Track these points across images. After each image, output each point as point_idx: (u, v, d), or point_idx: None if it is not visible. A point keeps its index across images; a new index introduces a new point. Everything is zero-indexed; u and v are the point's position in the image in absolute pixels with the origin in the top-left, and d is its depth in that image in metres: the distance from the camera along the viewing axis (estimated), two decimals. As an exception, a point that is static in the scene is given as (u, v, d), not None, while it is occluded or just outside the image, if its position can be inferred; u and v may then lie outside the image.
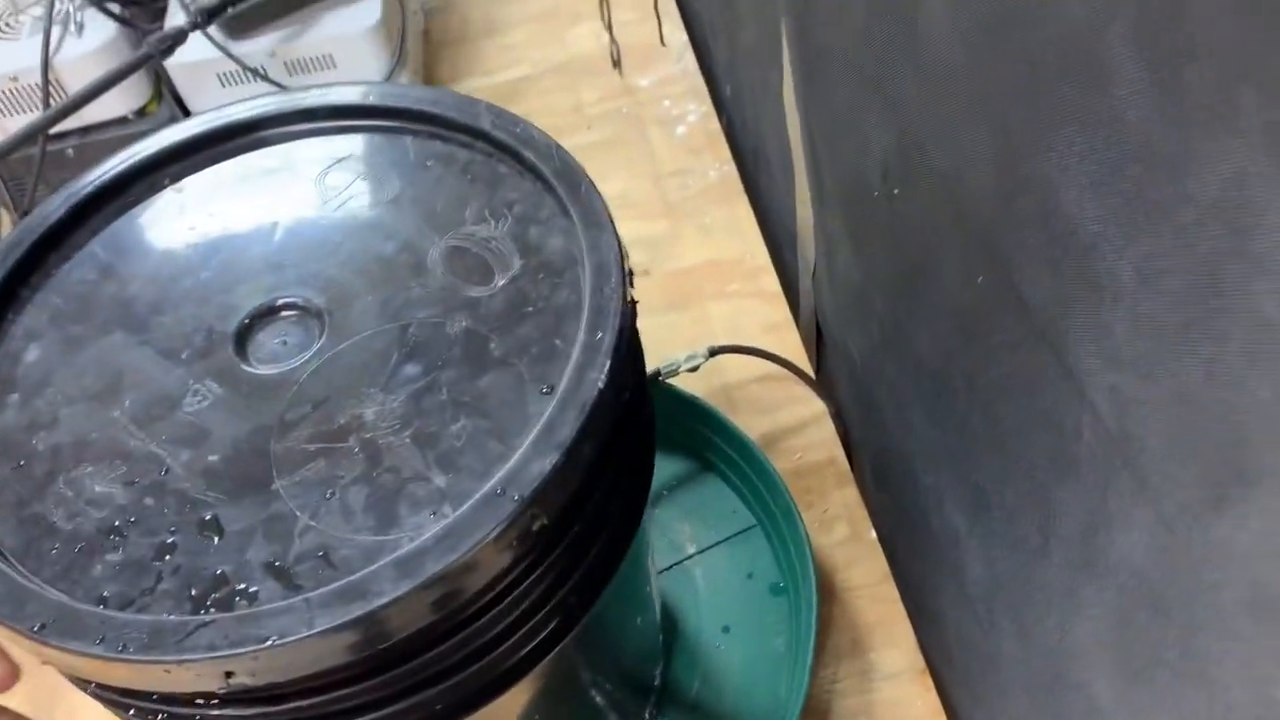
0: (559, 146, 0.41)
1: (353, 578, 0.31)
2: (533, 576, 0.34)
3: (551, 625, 0.37)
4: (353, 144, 0.44)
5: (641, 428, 0.41)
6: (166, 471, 0.35)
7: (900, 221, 0.44)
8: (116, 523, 0.34)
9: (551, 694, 0.45)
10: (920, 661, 0.59)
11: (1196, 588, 0.28)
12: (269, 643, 0.30)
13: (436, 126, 0.43)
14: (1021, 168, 0.31)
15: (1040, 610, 0.41)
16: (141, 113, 0.85)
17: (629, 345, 0.37)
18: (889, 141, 0.43)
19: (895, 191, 0.43)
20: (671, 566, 0.65)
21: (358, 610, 0.30)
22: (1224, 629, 0.27)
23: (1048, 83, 0.28)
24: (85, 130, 0.84)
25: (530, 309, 0.37)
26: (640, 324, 0.43)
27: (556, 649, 0.38)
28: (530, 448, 0.33)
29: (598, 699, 0.50)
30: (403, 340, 0.37)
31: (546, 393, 0.35)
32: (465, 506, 0.32)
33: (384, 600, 0.30)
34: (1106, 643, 0.35)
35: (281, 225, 0.41)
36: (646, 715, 0.55)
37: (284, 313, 0.39)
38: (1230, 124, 0.21)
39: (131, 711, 0.35)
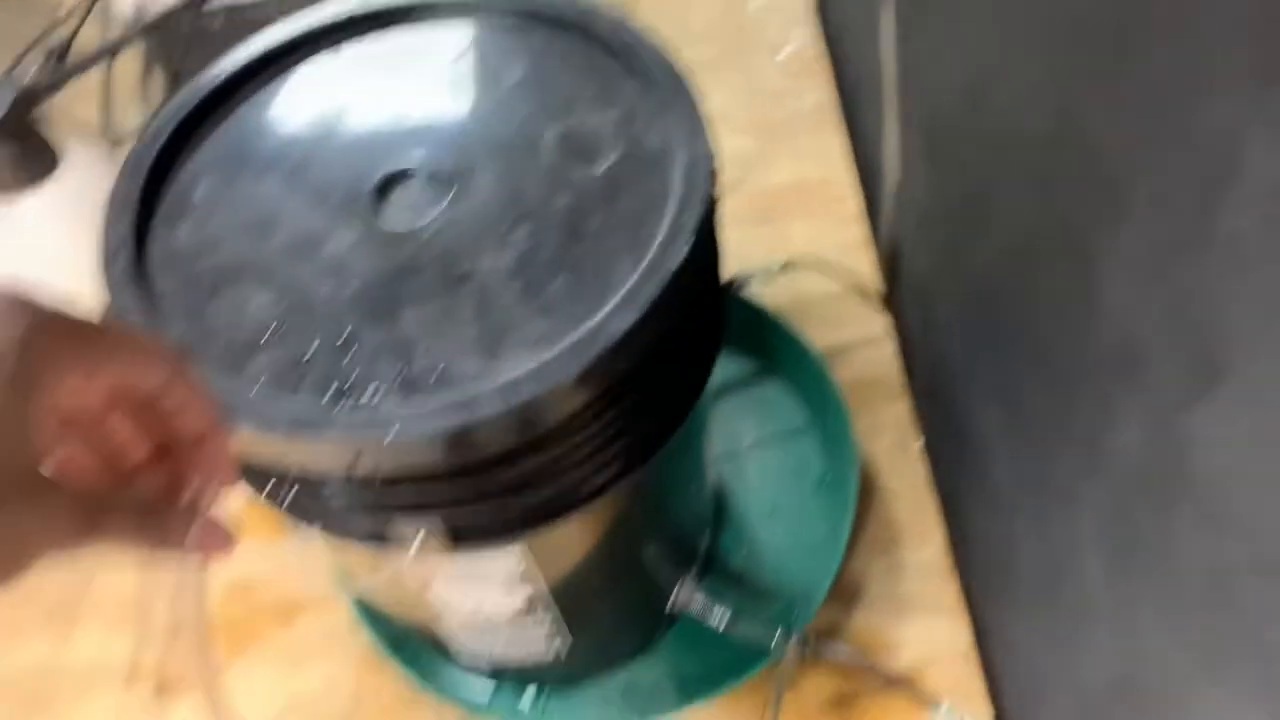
0: (667, 54, 0.46)
1: (462, 393, 0.37)
2: (609, 415, 0.40)
3: (620, 461, 0.43)
4: (489, 33, 0.49)
5: (713, 306, 0.47)
6: (311, 296, 0.41)
7: (971, 149, 0.48)
8: (268, 334, 0.40)
9: (611, 536, 0.52)
10: (948, 560, 0.64)
11: (1176, 474, 0.32)
12: (390, 435, 0.36)
13: (562, 26, 0.49)
14: (1069, 107, 0.35)
15: (1051, 507, 0.45)
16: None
17: (709, 231, 0.43)
18: (970, 76, 0.47)
19: (970, 123, 0.47)
20: (728, 454, 0.70)
21: (463, 420, 0.37)
22: (1197, 510, 0.32)
23: (1088, 36, 0.32)
24: (232, 9, 0.90)
25: (626, 191, 0.43)
26: (724, 237, 0.48)
27: (620, 482, 0.44)
28: (616, 306, 0.39)
29: (650, 550, 0.57)
30: (515, 208, 0.43)
31: (635, 263, 0.40)
32: (561, 345, 0.38)
33: (485, 415, 0.37)
34: (1101, 532, 0.40)
35: (420, 99, 0.47)
36: (692, 574, 0.61)
37: (417, 176, 0.45)
38: (1225, 83, 0.25)
39: (271, 484, 0.42)
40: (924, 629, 0.62)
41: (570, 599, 0.53)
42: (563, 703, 0.62)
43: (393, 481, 0.39)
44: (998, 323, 0.49)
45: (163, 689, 0.66)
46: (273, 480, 0.41)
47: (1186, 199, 0.28)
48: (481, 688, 0.63)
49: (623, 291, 0.39)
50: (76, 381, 0.29)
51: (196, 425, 0.33)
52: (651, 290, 0.39)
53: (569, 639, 0.56)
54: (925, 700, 0.56)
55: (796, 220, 0.82)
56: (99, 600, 0.70)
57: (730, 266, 0.60)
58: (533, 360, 0.38)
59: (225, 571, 0.70)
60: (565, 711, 0.62)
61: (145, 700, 0.66)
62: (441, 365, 0.39)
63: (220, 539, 0.33)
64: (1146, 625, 0.37)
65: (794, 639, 0.57)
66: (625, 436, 0.43)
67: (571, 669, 0.63)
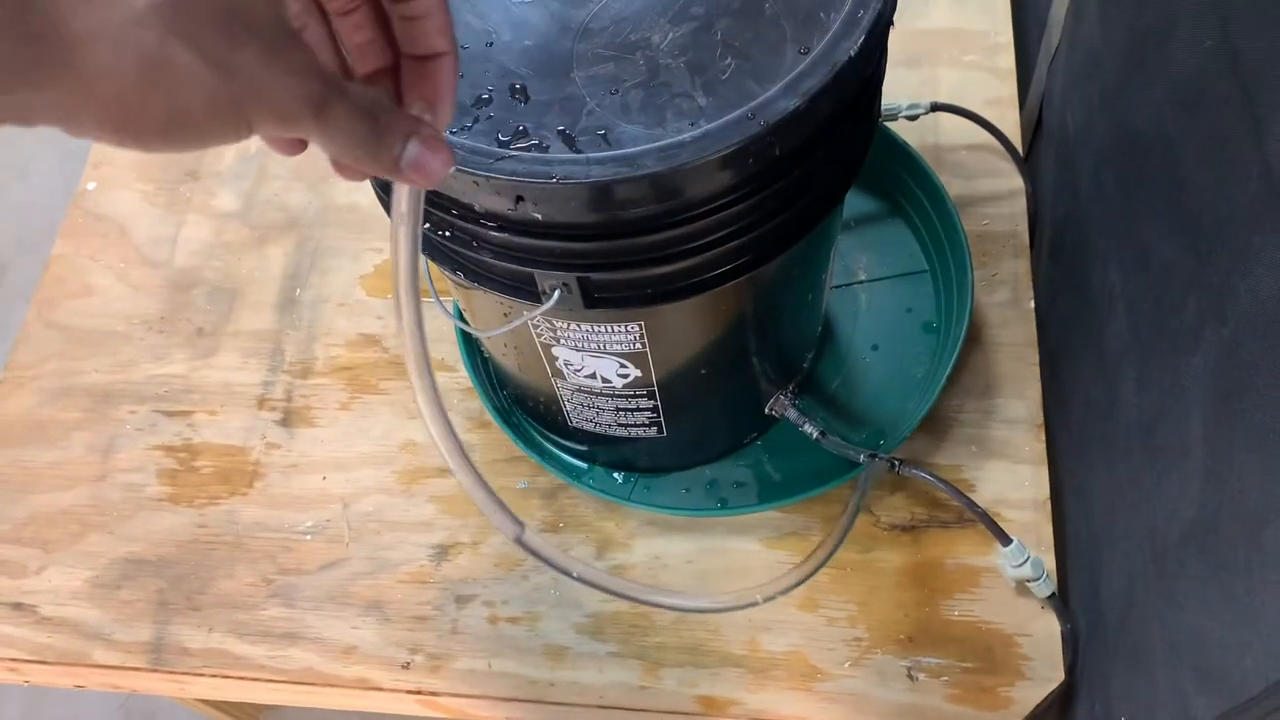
0: None
1: (622, 151, 0.39)
2: (752, 199, 0.42)
3: (752, 251, 0.45)
4: None
5: (867, 114, 0.48)
6: (490, 45, 0.43)
7: (1152, -9, 0.48)
8: (447, 74, 0.43)
9: (725, 331, 0.54)
10: (1040, 417, 0.66)
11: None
12: (554, 180, 0.39)
13: None
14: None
15: (1164, 356, 0.47)
16: None
17: (882, 32, 0.43)
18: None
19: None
20: (841, 286, 0.72)
21: (623, 174, 0.39)
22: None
23: None
24: None
25: (806, -17, 0.43)
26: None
27: (748, 274, 0.46)
28: (781, 90, 0.40)
29: (758, 356, 0.59)
30: (694, -14, 0.44)
31: (803, 53, 0.42)
32: (720, 121, 0.40)
33: (644, 172, 0.39)
34: (1212, 377, 0.41)
35: None
36: (790, 389, 0.64)
37: (601, -57, 0.46)
38: None
39: (427, 225, 0.45)
40: (1005, 474, 0.65)
41: (675, 385, 0.56)
42: (650, 486, 0.66)
43: (543, 232, 0.42)
44: (1144, 175, 0.49)
45: (288, 419, 0.72)
46: (428, 224, 0.44)
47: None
48: (576, 465, 0.68)
49: (787, 79, 0.41)
50: None
51: (433, 41, 0.32)
52: (814, 82, 0.40)
53: (670, 424, 0.60)
54: (997, 535, 0.58)
55: (946, 67, 0.81)
56: (238, 331, 0.76)
57: (878, 95, 0.61)
58: (694, 130, 0.40)
59: (355, 325, 0.75)
60: (651, 491, 0.66)
61: (272, 424, 0.72)
62: (605, 126, 0.41)
63: (439, 158, 0.31)
64: (1239, 465, 0.38)
65: (879, 458, 0.60)
66: (761, 227, 0.45)
67: (663, 459, 0.67)
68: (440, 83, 0.33)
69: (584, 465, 0.68)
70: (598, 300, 0.46)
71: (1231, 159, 0.39)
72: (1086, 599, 0.59)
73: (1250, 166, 0.37)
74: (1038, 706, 0.59)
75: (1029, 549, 0.59)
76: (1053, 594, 0.59)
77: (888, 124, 0.73)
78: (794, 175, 0.43)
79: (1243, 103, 0.37)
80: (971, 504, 0.57)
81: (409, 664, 0.63)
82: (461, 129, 0.41)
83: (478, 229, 0.43)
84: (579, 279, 0.44)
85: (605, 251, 0.43)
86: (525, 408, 0.67)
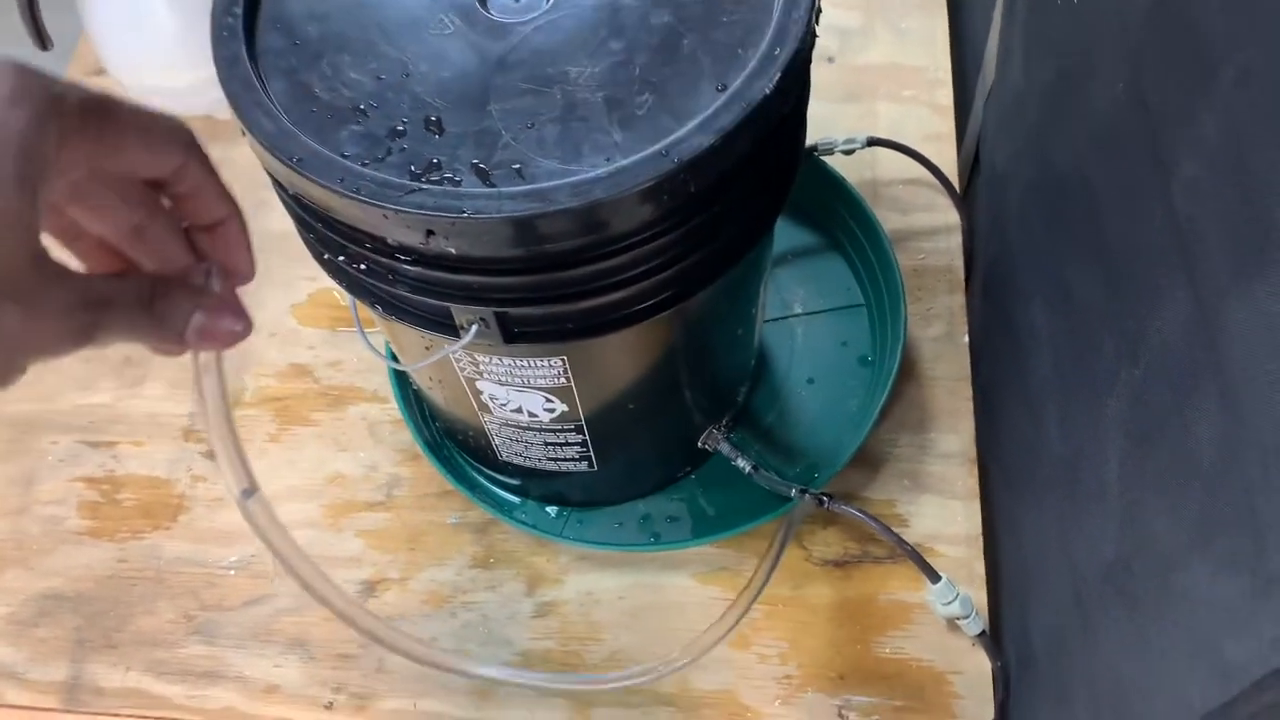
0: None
1: (536, 186, 0.39)
2: (671, 235, 0.42)
3: (674, 286, 0.45)
4: None
5: (789, 149, 0.47)
6: (407, 75, 0.43)
7: (1070, 32, 0.48)
8: (362, 105, 0.42)
9: (653, 364, 0.54)
10: (973, 451, 0.66)
11: (1207, 357, 0.33)
12: (465, 214, 0.38)
13: None
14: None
15: (1084, 396, 0.47)
16: None
17: (800, 69, 0.43)
18: (1085, -44, 0.47)
19: (1071, 7, 0.47)
20: (778, 319, 0.72)
21: (535, 209, 0.38)
22: (1218, 392, 0.33)
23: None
24: None
25: (725, 18, 0.43)
26: (811, 109, 0.48)
27: (670, 308, 0.46)
28: (696, 127, 0.40)
29: (690, 390, 0.59)
30: (614, 20, 0.44)
31: (720, 89, 0.41)
32: (635, 158, 0.39)
33: (556, 208, 0.38)
34: (1125, 418, 0.41)
35: (534, -97, 0.47)
36: (723, 423, 0.64)
37: (522, -25, 0.45)
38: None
39: (342, 257, 0.44)
40: (938, 509, 0.64)
41: (604, 419, 0.55)
42: (583, 520, 0.65)
43: (457, 266, 0.41)
44: (1064, 212, 0.50)
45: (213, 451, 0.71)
46: (343, 256, 0.43)
47: (1274, 77, 0.28)
48: (507, 499, 0.67)
49: (702, 116, 0.40)
50: (85, 169, 0.28)
51: (212, 210, 0.33)
52: (729, 119, 0.40)
53: (600, 458, 0.59)
54: (926, 573, 0.58)
55: (886, 102, 0.81)
56: (166, 361, 0.74)
57: (812, 137, 0.61)
58: (609, 166, 0.39)
59: (286, 355, 0.74)
60: (584, 526, 0.65)
61: (198, 456, 0.71)
62: (520, 160, 0.40)
63: (225, 321, 0.32)
64: (1150, 507, 0.38)
65: (809, 494, 0.59)
66: (683, 261, 0.44)
67: (595, 493, 0.66)
68: (228, 245, 0.34)
69: (516, 499, 0.67)
70: (517, 335, 0.45)
71: (1141, 201, 0.39)
72: (1017, 636, 0.59)
73: (1157, 210, 0.37)
74: (968, 745, 0.58)
75: (959, 586, 0.58)
76: (983, 631, 0.59)
77: (824, 158, 0.73)
78: (711, 211, 0.43)
79: (1152, 146, 0.38)
80: (900, 541, 0.57)
81: (331, 704, 0.61)
82: (373, 160, 0.40)
83: (392, 262, 0.42)
84: (496, 314, 0.44)
85: (522, 286, 0.42)
86: (456, 441, 0.66)
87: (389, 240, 0.41)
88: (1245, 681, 0.30)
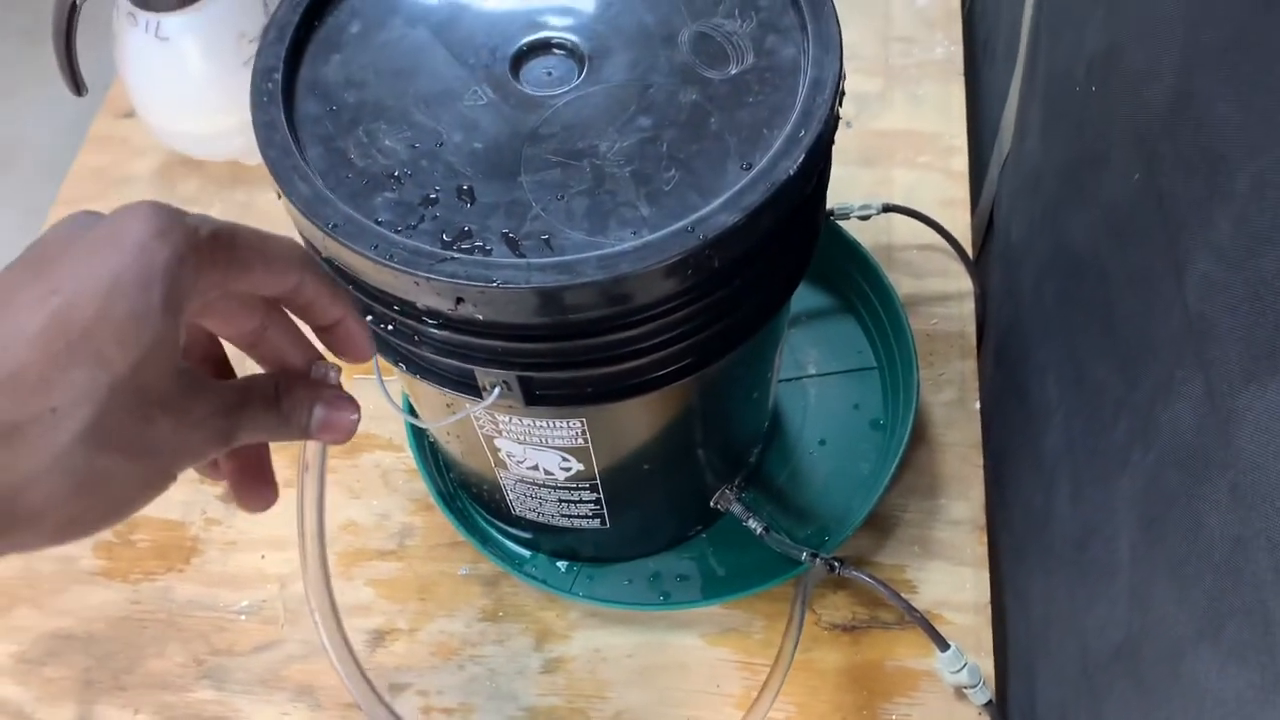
0: (814, -27, 0.47)
1: (565, 258, 0.40)
2: (694, 306, 0.43)
3: (695, 354, 0.46)
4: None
5: (809, 225, 0.49)
6: (440, 145, 0.44)
7: (1088, 115, 0.49)
8: (396, 172, 0.43)
9: (669, 427, 0.54)
10: (983, 519, 0.66)
11: (1220, 449, 0.34)
12: (495, 284, 0.39)
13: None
14: (1190, 83, 0.36)
15: (1095, 473, 0.47)
16: None
17: (823, 151, 0.44)
18: (1100, 44, 0.48)
19: (1093, 89, 0.48)
20: (791, 379, 0.73)
21: (564, 281, 0.39)
22: (1231, 485, 0.33)
23: (1221, 11, 0.33)
24: None
25: (751, 99, 0.44)
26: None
27: (690, 375, 0.46)
28: (722, 205, 0.41)
29: (704, 451, 0.59)
30: (642, 97, 0.45)
31: (745, 169, 0.42)
32: (661, 233, 0.40)
33: (583, 280, 0.39)
34: (1137, 500, 0.42)
35: (568, -22, 0.49)
36: (735, 484, 0.64)
37: (555, 50, 0.47)
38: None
39: (369, 316, 0.45)
40: (947, 576, 0.65)
41: (619, 478, 0.56)
42: (593, 576, 0.66)
43: (484, 332, 0.42)
44: (1079, 293, 0.50)
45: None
46: (370, 316, 0.44)
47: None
48: (519, 552, 0.67)
49: (728, 194, 0.41)
50: (218, 293, 0.31)
51: (330, 312, 0.35)
52: (755, 197, 0.41)
53: (613, 516, 0.60)
54: (935, 641, 0.58)
55: (901, 168, 0.83)
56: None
57: (831, 200, 0.62)
58: (635, 240, 0.40)
59: (303, 399, 0.74)
60: (594, 582, 0.65)
61: (212, 499, 0.71)
62: (549, 231, 0.41)
63: (343, 415, 0.36)
64: (1160, 591, 0.39)
65: (820, 558, 0.60)
66: (703, 332, 0.45)
67: (607, 550, 0.66)
68: (345, 341, 0.36)
69: (527, 553, 0.67)
70: (539, 398, 0.46)
71: (1156, 291, 0.40)
72: (1024, 707, 0.59)
73: (1172, 302, 0.38)
74: (973, 817, 0.58)
75: (967, 654, 0.59)
76: (989, 701, 0.59)
77: (840, 222, 0.74)
78: (733, 285, 0.44)
79: (1166, 240, 0.38)
80: (910, 608, 0.57)
81: (338, 754, 0.61)
82: (406, 228, 0.41)
83: (419, 325, 0.43)
84: (519, 377, 0.45)
85: (546, 352, 0.43)
86: (470, 493, 0.67)
87: (418, 304, 0.42)
88: (1254, 776, 0.31)
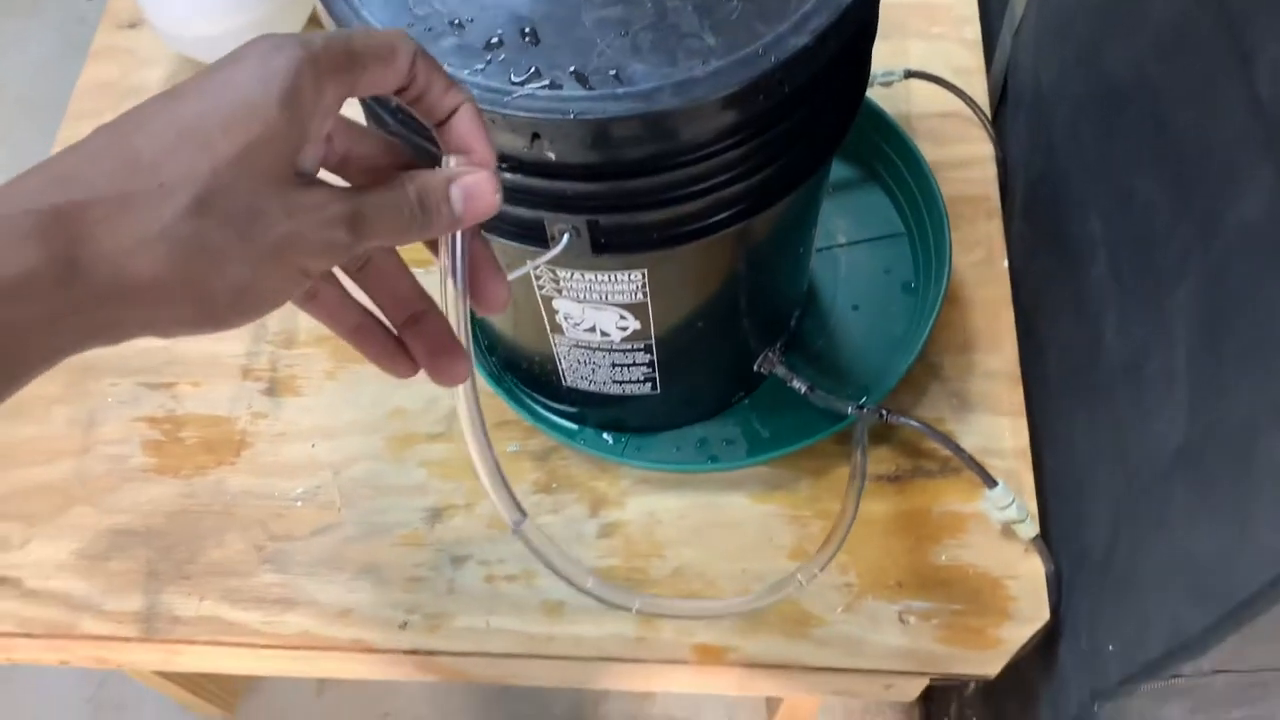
0: None
1: (639, 87, 0.40)
2: (763, 137, 0.43)
3: (757, 193, 0.47)
4: None
5: (864, 57, 0.49)
6: (501, -11, 0.44)
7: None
8: (458, 19, 0.43)
9: (720, 284, 0.55)
10: (1017, 371, 0.68)
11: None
12: (570, 115, 0.40)
13: None
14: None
15: (1147, 293, 0.49)
16: None
17: (879, -22, 0.45)
18: None
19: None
20: (823, 249, 0.74)
21: (640, 109, 0.40)
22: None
23: None
24: None
25: (807, -71, 0.45)
26: None
27: (753, 218, 0.47)
28: (789, 29, 0.42)
29: (751, 309, 0.60)
30: (696, -66, 0.45)
31: (807, -4, 0.43)
32: (731, 58, 0.41)
33: (660, 108, 0.40)
34: (1194, 306, 0.43)
35: None
36: (778, 347, 0.65)
37: (603, -107, 0.47)
38: None
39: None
40: (985, 425, 0.67)
41: (672, 338, 0.57)
42: (641, 445, 0.67)
43: (555, 173, 0.43)
44: (1123, 123, 0.51)
45: (273, 389, 0.72)
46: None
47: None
48: (567, 426, 0.68)
49: (794, 18, 0.42)
50: (338, 93, 0.31)
51: (445, 102, 0.34)
52: (822, 21, 0.42)
53: (664, 380, 0.61)
54: (983, 478, 0.60)
55: (915, 39, 0.83)
56: (219, 303, 0.75)
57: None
58: (704, 68, 0.41)
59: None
60: (643, 450, 0.67)
61: (257, 394, 0.72)
62: (617, 66, 0.42)
63: (485, 184, 0.34)
64: (1229, 384, 0.40)
65: (868, 409, 0.61)
66: (763, 171, 0.46)
67: (654, 419, 0.68)
68: (465, 133, 0.35)
69: (575, 427, 0.68)
70: (604, 245, 0.47)
71: (1216, 94, 0.41)
72: (1070, 541, 0.61)
73: (1236, 99, 0.39)
74: (1025, 645, 0.61)
75: (1012, 492, 0.61)
76: (1037, 535, 0.61)
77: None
78: (798, 115, 0.44)
79: (1229, 39, 0.39)
80: (957, 448, 0.59)
81: (405, 624, 0.63)
82: (474, 70, 0.42)
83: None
84: (588, 222, 0.45)
85: (614, 194, 0.44)
86: (518, 372, 0.67)
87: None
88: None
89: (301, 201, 0.30)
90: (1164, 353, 0.47)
